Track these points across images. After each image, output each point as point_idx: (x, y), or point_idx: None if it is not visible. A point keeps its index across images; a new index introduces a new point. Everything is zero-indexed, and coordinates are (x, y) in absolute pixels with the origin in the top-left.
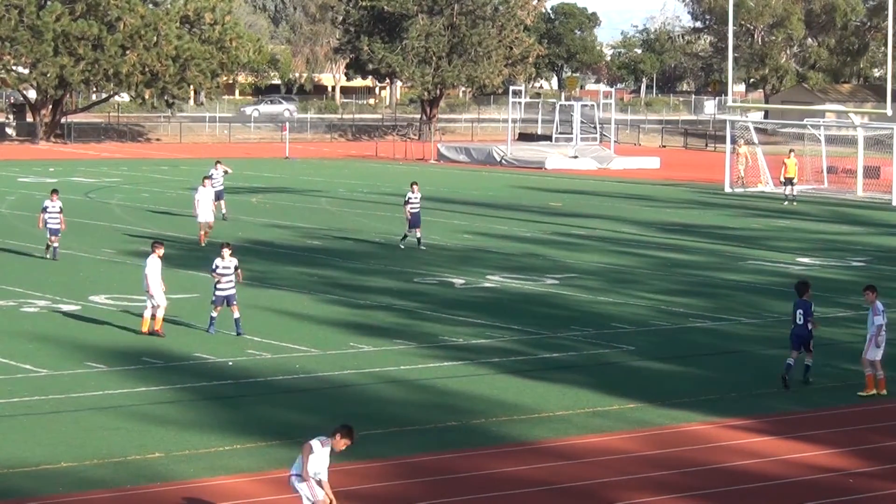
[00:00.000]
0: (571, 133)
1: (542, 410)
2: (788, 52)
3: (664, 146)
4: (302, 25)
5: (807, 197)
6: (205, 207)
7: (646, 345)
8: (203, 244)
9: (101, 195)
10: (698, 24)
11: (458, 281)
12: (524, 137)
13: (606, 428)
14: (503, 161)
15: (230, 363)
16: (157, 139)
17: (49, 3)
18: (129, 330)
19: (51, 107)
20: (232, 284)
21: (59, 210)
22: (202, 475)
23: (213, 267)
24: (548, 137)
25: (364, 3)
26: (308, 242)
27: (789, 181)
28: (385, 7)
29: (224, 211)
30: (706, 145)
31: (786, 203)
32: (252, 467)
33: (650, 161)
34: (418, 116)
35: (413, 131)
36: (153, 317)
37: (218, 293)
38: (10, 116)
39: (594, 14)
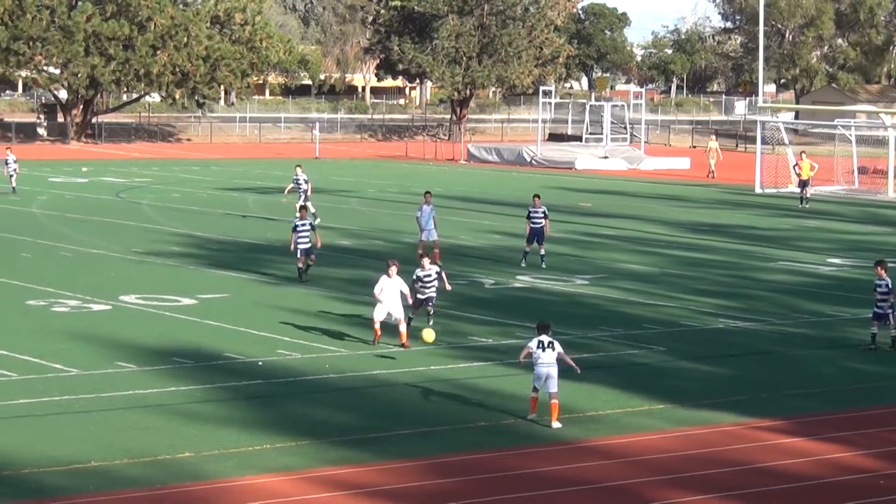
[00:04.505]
0: (601, 133)
1: (572, 410)
2: (819, 52)
3: (694, 146)
4: (332, 25)
5: (837, 197)
6: (428, 226)
7: (675, 345)
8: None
9: (131, 195)
10: (729, 25)
11: (488, 281)
12: (554, 138)
13: (637, 427)
14: (533, 161)
15: (260, 363)
16: (188, 139)
17: (80, 3)
18: (160, 330)
19: (82, 107)
20: (434, 288)
21: (310, 228)
22: (232, 474)
23: (414, 279)
24: (578, 138)
25: (394, 4)
26: (338, 242)
27: (804, 183)
28: (415, 7)
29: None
30: (737, 146)
31: (801, 205)
32: (282, 466)
33: (680, 161)
34: (448, 117)
35: (443, 132)
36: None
37: (418, 297)
38: (42, 116)
39: (625, 14)
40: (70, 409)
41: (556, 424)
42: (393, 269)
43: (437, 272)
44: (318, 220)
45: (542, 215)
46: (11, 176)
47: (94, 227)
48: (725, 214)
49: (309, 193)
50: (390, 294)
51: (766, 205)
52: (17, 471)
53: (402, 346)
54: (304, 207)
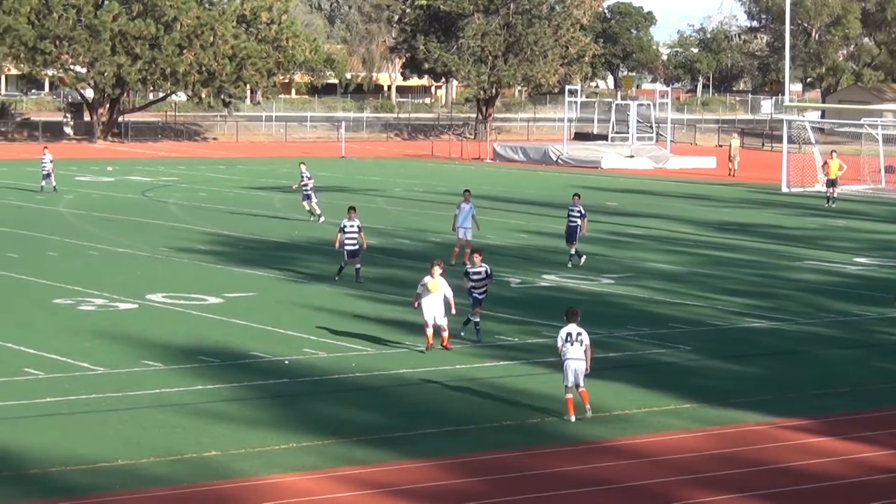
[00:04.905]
0: (627, 132)
1: (598, 410)
2: (845, 51)
3: (720, 145)
4: (357, 24)
5: (864, 197)
6: (465, 224)
7: (702, 344)
8: (453, 262)
9: (158, 194)
10: (755, 24)
11: (514, 280)
12: (580, 137)
13: (663, 427)
14: (559, 160)
15: (286, 362)
16: (214, 138)
17: (106, 2)
18: (186, 329)
19: (108, 106)
20: (484, 289)
21: (357, 230)
22: (259, 473)
23: (464, 273)
24: (604, 137)
25: (420, 3)
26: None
27: (832, 182)
28: (441, 6)
29: (318, 211)
30: (763, 145)
31: (827, 204)
32: (308, 465)
33: (706, 160)
34: (474, 116)
35: (469, 130)
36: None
37: (475, 296)
38: (68, 115)
39: (650, 13)
40: (97, 408)
41: (588, 410)
42: (436, 270)
43: (486, 272)
44: (322, 220)
45: (579, 214)
46: (49, 175)
47: (121, 225)
48: (752, 214)
49: (311, 188)
50: (434, 295)
51: (793, 204)
52: (44, 469)
53: (444, 347)
54: (352, 208)
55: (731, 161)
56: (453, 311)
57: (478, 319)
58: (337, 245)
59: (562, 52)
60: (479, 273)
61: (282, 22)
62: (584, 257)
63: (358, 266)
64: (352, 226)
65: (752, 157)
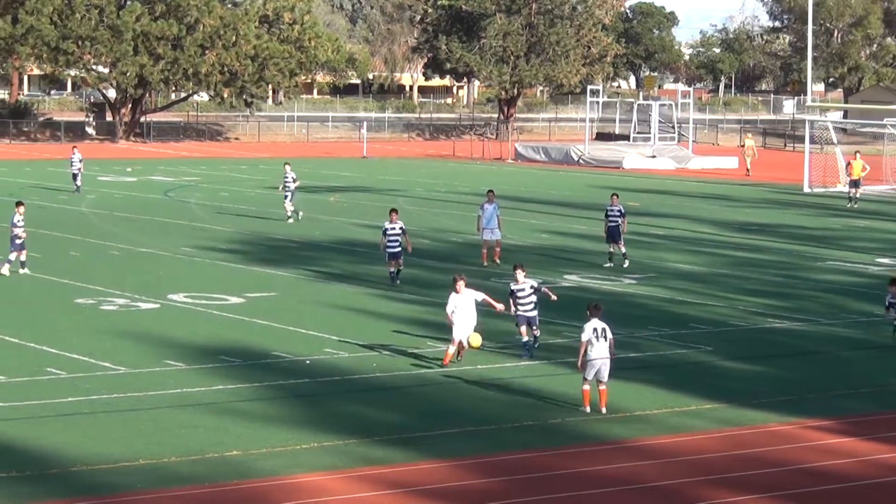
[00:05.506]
0: (649, 132)
1: (620, 410)
2: (867, 51)
3: (742, 146)
4: (379, 24)
5: (886, 197)
6: (490, 225)
7: (723, 345)
8: (485, 263)
9: (179, 194)
10: (777, 24)
11: (535, 280)
12: (602, 137)
13: (685, 427)
14: (581, 160)
15: (307, 361)
16: (236, 138)
17: (129, 3)
18: (208, 328)
19: (130, 106)
20: (533, 305)
21: (400, 231)
22: (280, 472)
23: (509, 292)
24: (626, 137)
25: (442, 3)
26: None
27: (855, 183)
28: (463, 6)
29: (293, 210)
30: (785, 145)
31: (849, 204)
32: (329, 465)
33: (728, 161)
34: (496, 116)
35: (490, 131)
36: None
37: (520, 313)
38: (91, 115)
39: (673, 13)
40: (118, 408)
41: (602, 410)
42: (461, 284)
43: (532, 287)
44: (301, 215)
45: (619, 214)
46: (75, 175)
47: (143, 225)
48: (774, 214)
49: (293, 189)
50: (464, 312)
51: (815, 204)
52: (66, 468)
53: (442, 362)
54: (394, 210)
55: (746, 159)
56: (499, 308)
57: (526, 339)
58: (382, 249)
59: (584, 52)
60: (522, 290)
61: (304, 22)
62: (628, 261)
63: (399, 268)
64: (393, 228)
65: (774, 158)
